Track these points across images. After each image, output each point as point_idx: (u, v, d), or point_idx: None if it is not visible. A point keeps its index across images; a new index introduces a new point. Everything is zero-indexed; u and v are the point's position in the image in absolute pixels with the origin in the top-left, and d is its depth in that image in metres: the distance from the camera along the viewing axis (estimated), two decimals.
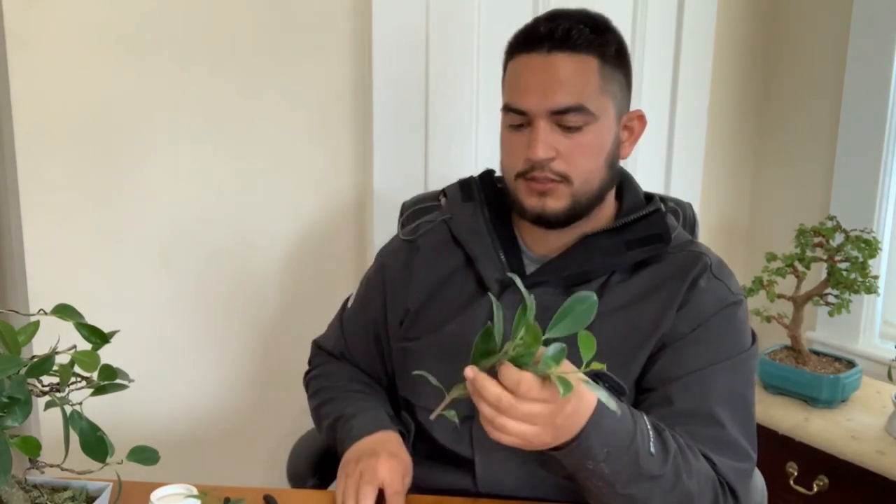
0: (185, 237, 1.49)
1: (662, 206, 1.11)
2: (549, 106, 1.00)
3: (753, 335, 1.08)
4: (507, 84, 1.07)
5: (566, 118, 1.01)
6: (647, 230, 1.07)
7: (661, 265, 1.07)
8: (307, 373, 1.28)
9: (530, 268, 1.11)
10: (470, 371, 0.79)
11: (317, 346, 1.29)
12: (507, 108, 1.05)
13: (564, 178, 1.03)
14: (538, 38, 1.02)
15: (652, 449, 0.89)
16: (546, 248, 1.11)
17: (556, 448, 0.86)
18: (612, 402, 0.78)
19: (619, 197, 1.14)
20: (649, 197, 1.14)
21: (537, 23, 1.04)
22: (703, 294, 1.04)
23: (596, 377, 0.88)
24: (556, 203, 1.04)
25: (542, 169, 1.02)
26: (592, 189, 1.05)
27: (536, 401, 0.79)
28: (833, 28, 2.01)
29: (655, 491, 0.90)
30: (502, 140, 1.09)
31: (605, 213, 1.11)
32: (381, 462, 1.00)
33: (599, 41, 1.02)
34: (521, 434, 0.81)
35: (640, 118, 1.11)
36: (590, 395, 0.84)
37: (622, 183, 1.14)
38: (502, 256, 1.10)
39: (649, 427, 0.91)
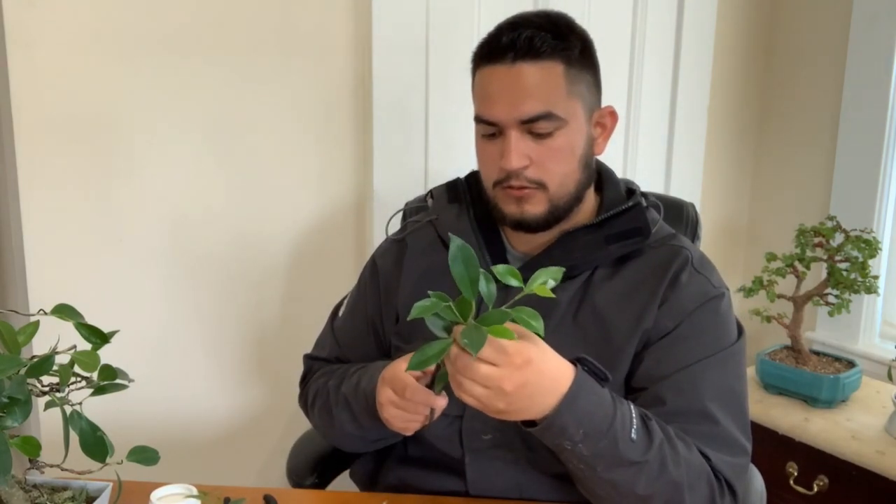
0: (185, 237, 1.49)
1: (643, 200, 1.12)
2: (517, 116, 1.01)
3: (740, 328, 1.08)
4: (476, 95, 1.08)
5: (536, 126, 1.02)
6: (626, 224, 1.08)
7: (643, 260, 1.08)
8: (302, 392, 1.25)
9: (515, 266, 1.11)
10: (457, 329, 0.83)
11: (309, 358, 1.29)
12: (478, 119, 1.07)
13: (540, 185, 1.04)
14: (501, 48, 1.01)
15: (634, 435, 0.90)
16: (528, 246, 1.13)
17: (531, 425, 0.89)
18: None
19: (601, 191, 1.15)
20: (631, 191, 1.15)
21: (500, 32, 1.03)
22: (685, 289, 1.05)
23: (577, 362, 0.90)
24: (535, 209, 1.05)
25: (518, 178, 1.04)
26: (569, 191, 1.07)
27: (486, 362, 0.83)
28: (833, 28, 2.01)
29: (639, 477, 0.91)
30: (477, 149, 1.10)
31: (586, 209, 1.12)
32: (397, 364, 0.98)
33: (563, 45, 1.02)
34: (473, 393, 0.84)
35: (612, 114, 1.11)
36: (558, 377, 0.87)
37: (602, 178, 1.15)
38: (487, 256, 1.11)
39: (634, 415, 0.92)
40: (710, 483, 0.96)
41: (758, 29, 2.14)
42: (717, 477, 0.97)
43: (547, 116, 1.01)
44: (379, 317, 1.20)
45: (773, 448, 1.71)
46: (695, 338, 1.03)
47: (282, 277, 1.61)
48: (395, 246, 1.22)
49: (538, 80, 1.01)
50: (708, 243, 1.61)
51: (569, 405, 0.87)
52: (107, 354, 0.81)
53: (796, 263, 1.75)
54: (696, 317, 1.03)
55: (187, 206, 1.48)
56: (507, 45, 1.01)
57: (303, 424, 1.35)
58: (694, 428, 0.98)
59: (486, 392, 0.84)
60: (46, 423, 1.32)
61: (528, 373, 0.84)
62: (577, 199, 1.08)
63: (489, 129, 1.05)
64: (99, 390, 0.82)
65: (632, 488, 0.92)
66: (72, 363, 0.79)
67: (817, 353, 1.84)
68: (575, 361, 0.90)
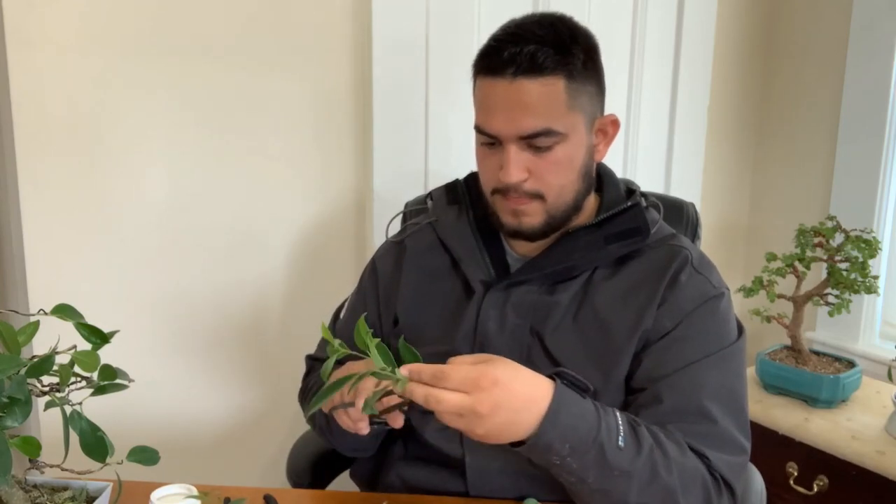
0: (186, 238, 1.49)
1: (643, 200, 1.12)
2: (516, 131, 1.01)
3: (740, 327, 1.08)
4: (476, 104, 1.07)
5: (536, 141, 1.01)
6: (625, 224, 1.08)
7: (642, 261, 1.08)
8: (302, 389, 1.26)
9: (515, 267, 1.12)
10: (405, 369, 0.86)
11: (311, 358, 1.30)
12: (478, 130, 1.06)
13: (538, 196, 1.04)
14: (503, 63, 0.99)
15: (621, 443, 0.90)
16: (528, 248, 1.13)
17: (518, 444, 0.89)
18: None
19: (601, 191, 1.15)
20: (631, 191, 1.15)
21: (501, 45, 1.00)
22: (684, 289, 1.04)
23: (557, 375, 0.91)
24: (532, 220, 1.06)
25: (516, 190, 1.04)
26: (567, 202, 1.07)
27: (455, 391, 0.84)
28: (833, 28, 2.01)
29: (631, 486, 0.91)
30: (477, 156, 1.10)
31: (586, 210, 1.12)
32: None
33: (565, 60, 0.99)
34: (453, 424, 0.86)
35: (614, 122, 1.10)
36: (534, 395, 0.87)
37: (602, 178, 1.15)
38: (487, 258, 1.11)
39: (620, 422, 0.92)
40: (706, 486, 0.96)
41: (758, 29, 2.14)
42: (715, 476, 0.97)
43: (546, 132, 1.00)
44: (378, 319, 1.21)
45: (773, 448, 1.71)
46: (694, 338, 1.03)
47: (282, 278, 1.61)
48: (395, 248, 1.22)
49: (539, 97, 0.99)
50: (708, 243, 1.61)
51: (551, 422, 0.87)
52: (107, 355, 0.81)
53: (796, 263, 1.74)
54: (695, 317, 1.03)
55: (188, 207, 1.48)
56: (507, 60, 0.99)
57: (303, 424, 1.35)
58: (692, 427, 0.98)
59: (464, 420, 0.85)
60: (46, 423, 1.32)
61: (497, 393, 0.84)
62: (576, 208, 1.08)
63: (488, 140, 1.05)
64: (99, 390, 0.82)
65: (624, 498, 0.91)
66: (72, 363, 0.79)
67: (817, 353, 1.84)
68: (553, 376, 0.90)
